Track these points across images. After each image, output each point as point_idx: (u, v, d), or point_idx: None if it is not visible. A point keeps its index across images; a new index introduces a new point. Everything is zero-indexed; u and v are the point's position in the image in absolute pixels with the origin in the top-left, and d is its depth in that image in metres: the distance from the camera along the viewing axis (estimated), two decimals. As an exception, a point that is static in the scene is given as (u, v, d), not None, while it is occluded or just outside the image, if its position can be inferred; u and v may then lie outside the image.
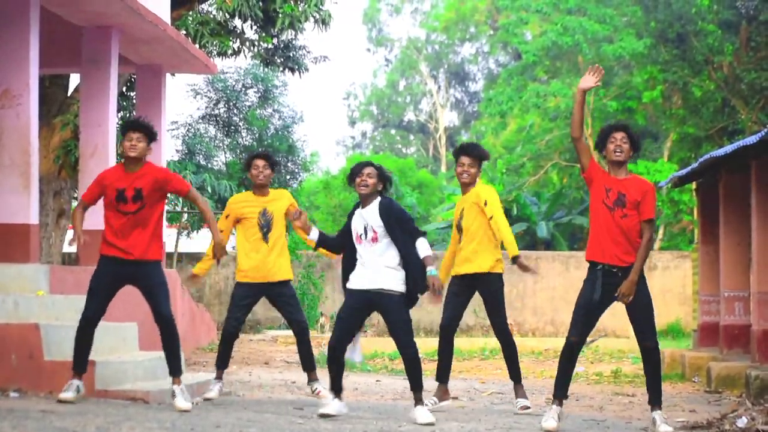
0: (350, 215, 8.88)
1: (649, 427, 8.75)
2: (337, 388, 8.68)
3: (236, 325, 9.92)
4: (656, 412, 8.60)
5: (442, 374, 9.81)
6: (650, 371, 8.62)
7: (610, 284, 8.38)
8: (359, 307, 8.68)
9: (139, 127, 8.84)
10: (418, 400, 8.60)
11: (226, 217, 10.08)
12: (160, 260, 8.89)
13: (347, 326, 8.66)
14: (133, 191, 8.70)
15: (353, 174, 8.83)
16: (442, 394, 9.78)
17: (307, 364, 10.17)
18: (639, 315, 8.52)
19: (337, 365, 8.62)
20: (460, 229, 9.77)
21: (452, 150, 10.15)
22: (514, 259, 9.60)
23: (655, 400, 8.64)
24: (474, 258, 9.65)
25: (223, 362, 10.02)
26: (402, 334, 8.58)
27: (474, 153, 9.76)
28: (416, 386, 8.61)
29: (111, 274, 8.73)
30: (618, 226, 8.36)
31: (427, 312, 24.85)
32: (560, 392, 8.57)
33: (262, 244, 9.97)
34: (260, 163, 10.03)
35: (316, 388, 10.08)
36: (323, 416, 8.52)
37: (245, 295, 10.00)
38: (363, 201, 8.81)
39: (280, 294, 10.03)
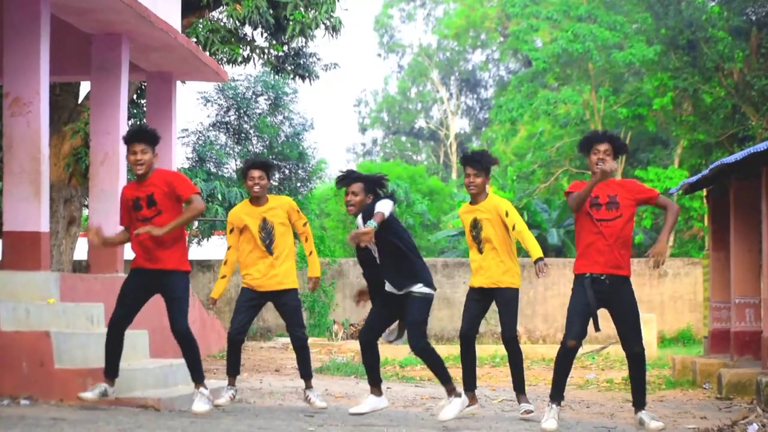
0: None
1: (638, 428, 8.74)
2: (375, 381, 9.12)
3: (240, 330, 9.73)
4: (642, 412, 8.63)
5: (468, 382, 9.72)
6: (637, 376, 8.68)
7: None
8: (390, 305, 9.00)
9: (141, 137, 8.68)
10: (453, 393, 8.80)
11: (230, 231, 9.88)
12: (183, 270, 8.82)
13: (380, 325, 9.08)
14: (146, 197, 8.69)
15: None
16: (470, 400, 9.64)
17: (305, 372, 10.08)
18: (624, 320, 8.59)
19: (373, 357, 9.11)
20: (478, 241, 9.69)
21: (459, 158, 10.00)
22: (537, 261, 9.56)
23: (641, 403, 8.68)
24: (495, 271, 9.63)
25: (233, 369, 9.96)
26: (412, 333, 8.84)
27: (479, 163, 9.57)
28: (445, 379, 8.81)
29: (137, 282, 8.79)
30: (608, 234, 8.58)
31: (437, 320, 24.90)
32: (558, 396, 8.62)
33: (266, 255, 9.78)
34: (256, 173, 9.74)
35: (308, 396, 10.02)
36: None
37: (249, 298, 9.85)
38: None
39: (283, 303, 9.89)
